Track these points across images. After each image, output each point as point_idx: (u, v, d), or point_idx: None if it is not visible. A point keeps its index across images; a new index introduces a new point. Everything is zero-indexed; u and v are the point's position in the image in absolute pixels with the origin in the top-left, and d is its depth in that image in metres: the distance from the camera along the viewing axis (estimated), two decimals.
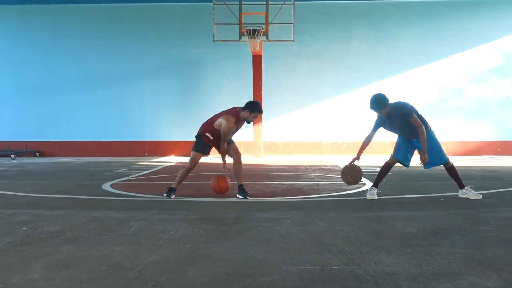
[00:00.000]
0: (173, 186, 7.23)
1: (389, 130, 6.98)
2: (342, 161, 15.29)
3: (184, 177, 7.27)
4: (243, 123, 7.25)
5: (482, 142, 18.59)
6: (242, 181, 7.22)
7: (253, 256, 3.94)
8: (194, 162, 7.18)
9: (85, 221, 5.44)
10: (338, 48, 19.00)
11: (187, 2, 19.01)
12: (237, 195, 7.12)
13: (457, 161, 7.47)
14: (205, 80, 19.18)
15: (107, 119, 19.17)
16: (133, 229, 5.03)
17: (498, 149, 18.52)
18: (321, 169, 12.46)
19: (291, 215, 5.73)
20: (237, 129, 7.21)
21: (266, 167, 13.27)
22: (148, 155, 18.91)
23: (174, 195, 7.15)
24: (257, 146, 17.39)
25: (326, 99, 18.98)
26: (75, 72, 19.31)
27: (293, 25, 15.23)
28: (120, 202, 7.05)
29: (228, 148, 7.15)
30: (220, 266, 3.67)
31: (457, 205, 6.39)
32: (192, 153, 7.22)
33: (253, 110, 7.08)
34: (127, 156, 18.50)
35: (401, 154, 7.02)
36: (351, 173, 7.11)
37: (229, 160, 7.30)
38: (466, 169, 11.83)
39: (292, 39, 15.30)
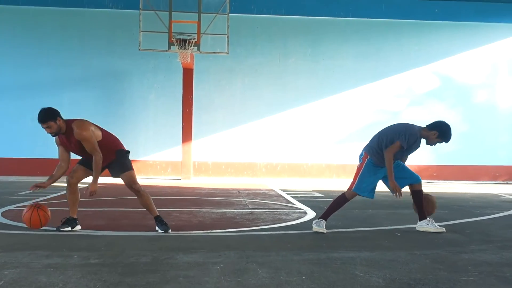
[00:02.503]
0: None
1: (397, 153, 5.88)
2: (277, 184, 14.23)
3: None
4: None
5: (419, 166, 17.99)
6: (156, 212, 5.94)
7: None
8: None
9: None
10: (274, 64, 18.13)
11: (112, 8, 17.50)
12: (156, 229, 5.83)
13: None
14: (131, 93, 17.73)
15: (19, 134, 17.24)
16: (1, 282, 3.62)
17: (434, 174, 18.10)
18: (256, 193, 11.27)
19: (222, 257, 4.53)
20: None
21: (195, 191, 11.94)
22: (66, 175, 17.03)
23: (78, 227, 5.80)
24: (185, 166, 16.06)
25: (261, 118, 18.02)
26: None
27: (228, 37, 14.16)
28: (2, 238, 5.54)
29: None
30: None
31: (419, 243, 5.43)
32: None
33: None
34: (41, 176, 16.57)
35: (368, 186, 5.94)
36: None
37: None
38: (406, 195, 11.05)
39: (226, 52, 14.21)
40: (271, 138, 17.98)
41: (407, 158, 6.12)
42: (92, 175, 5.70)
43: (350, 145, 17.76)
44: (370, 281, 3.83)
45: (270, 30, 18.17)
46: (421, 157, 18.04)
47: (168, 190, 12.06)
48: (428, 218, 6.03)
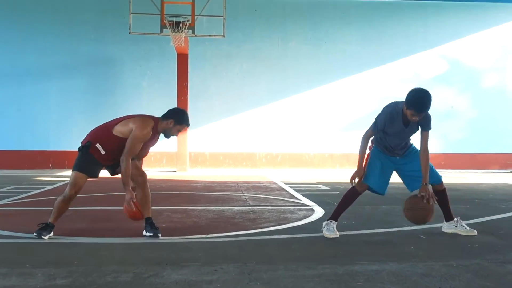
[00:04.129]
0: (49, 221, 4.91)
1: (390, 138, 4.98)
2: (278, 176, 13.39)
3: (62, 209, 4.95)
4: (158, 137, 5.11)
5: None
6: (150, 212, 5.09)
7: None
8: (76, 187, 4.91)
9: None
10: (274, 49, 17.23)
11: None
12: (144, 232, 4.98)
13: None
14: (123, 81, 16.82)
15: (4, 125, 16.33)
16: None
17: (442, 163, 17.25)
18: (256, 187, 10.40)
19: (219, 273, 3.68)
20: (148, 145, 5.06)
21: (190, 185, 11.08)
22: (53, 168, 16.20)
23: (50, 234, 4.86)
24: (181, 158, 15.22)
25: (260, 105, 17.14)
26: None
27: (224, 18, 13.27)
28: None
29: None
30: None
31: (451, 249, 4.57)
32: (72, 174, 4.94)
33: (180, 121, 5.02)
34: (28, 169, 15.73)
35: (376, 178, 5.04)
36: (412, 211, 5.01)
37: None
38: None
39: (222, 35, 13.33)
40: (271, 126, 17.13)
41: (405, 140, 5.09)
42: None
43: (354, 134, 16.81)
44: None
45: (268, 13, 17.24)
46: (428, 145, 17.26)
47: (162, 184, 11.18)
48: (455, 219, 5.20)
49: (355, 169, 5.05)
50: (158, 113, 5.17)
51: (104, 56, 16.73)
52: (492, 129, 17.65)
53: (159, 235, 4.94)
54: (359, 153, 4.96)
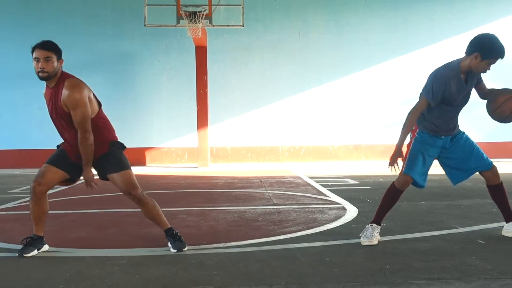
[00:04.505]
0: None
1: (444, 110, 4.33)
2: (302, 170, 12.99)
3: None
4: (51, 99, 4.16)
5: None
6: (167, 223, 4.34)
7: None
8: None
9: None
10: (294, 40, 16.78)
11: None
12: (169, 245, 4.26)
13: (438, 167, 4.71)
14: (142, 76, 16.59)
15: (25, 124, 16.25)
16: None
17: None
18: (280, 182, 9.98)
19: None
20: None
21: (211, 181, 10.71)
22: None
23: (43, 249, 4.26)
24: (202, 153, 14.91)
25: (282, 98, 16.75)
26: None
27: (242, 7, 12.90)
28: None
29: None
30: None
31: None
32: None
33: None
34: None
35: (420, 169, 4.38)
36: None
37: None
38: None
39: (241, 24, 12.93)
40: (294, 119, 16.73)
41: (464, 105, 4.41)
42: (68, 177, 4.26)
43: (379, 124, 16.46)
44: None
45: (288, 3, 16.80)
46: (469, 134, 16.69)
47: (181, 181, 10.85)
48: None
49: (381, 160, 4.58)
50: (179, 107, 4.77)
51: (123, 52, 16.51)
52: None
53: (185, 248, 4.23)
54: (404, 131, 4.28)
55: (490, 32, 4.20)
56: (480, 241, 4.45)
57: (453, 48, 16.82)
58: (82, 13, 16.56)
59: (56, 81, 4.09)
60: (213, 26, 13.16)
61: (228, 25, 13.95)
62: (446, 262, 3.75)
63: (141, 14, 14.58)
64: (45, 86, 4.19)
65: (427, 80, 4.28)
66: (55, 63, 4.07)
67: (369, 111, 16.65)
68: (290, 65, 16.79)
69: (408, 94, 16.10)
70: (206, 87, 15.00)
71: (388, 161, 4.32)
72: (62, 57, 4.18)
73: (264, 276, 3.49)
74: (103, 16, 16.51)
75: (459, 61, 4.25)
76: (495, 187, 4.48)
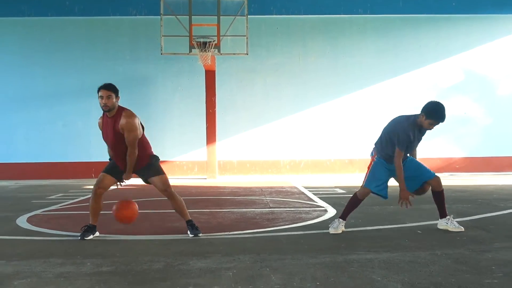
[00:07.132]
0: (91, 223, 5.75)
1: (409, 148, 5.75)
2: (300, 181, 14.50)
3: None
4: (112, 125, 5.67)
5: (441, 159, 18.11)
6: (189, 215, 5.85)
7: None
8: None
9: None
10: (295, 63, 18.31)
11: (135, 15, 17.98)
12: (188, 232, 5.76)
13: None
14: (156, 97, 18.15)
15: (51, 140, 17.86)
16: None
17: (457, 166, 18.13)
18: (278, 191, 11.50)
19: (236, 262, 4.46)
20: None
21: (218, 190, 12.27)
22: (95, 177, 17.59)
23: (95, 235, 5.76)
24: (211, 166, 16.43)
25: (283, 116, 18.22)
26: (14, 90, 17.99)
27: (247, 38, 14.47)
28: (21, 244, 5.56)
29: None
30: None
31: (441, 241, 5.29)
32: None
33: None
34: (72, 179, 17.21)
35: (380, 183, 5.83)
36: None
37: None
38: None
39: (245, 52, 14.51)
40: (294, 135, 18.15)
41: (416, 148, 5.91)
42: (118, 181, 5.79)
43: (372, 140, 17.81)
44: (388, 286, 3.68)
45: (289, 30, 18.34)
46: (443, 149, 18.14)
47: (192, 190, 12.34)
48: (448, 217, 5.88)
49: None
50: (190, 125, 6.31)
51: (139, 75, 18.04)
52: (506, 134, 18.28)
53: (200, 234, 5.68)
54: (399, 173, 5.58)
55: (438, 101, 5.72)
56: (419, 231, 5.95)
57: (439, 72, 18.40)
58: (102, 39, 18.20)
59: (115, 113, 5.61)
60: (221, 54, 14.66)
61: (234, 53, 15.38)
62: (385, 243, 5.24)
63: (155, 40, 16.26)
64: (101, 117, 5.77)
65: (391, 129, 5.73)
66: (114, 99, 5.55)
67: (363, 128, 17.99)
68: (291, 86, 18.24)
69: (398, 113, 17.60)
70: (214, 106, 16.50)
71: (399, 198, 5.64)
72: (119, 95, 5.70)
73: (255, 250, 5.00)
74: (121, 43, 18.13)
75: (416, 116, 5.66)
76: (438, 193, 5.88)
